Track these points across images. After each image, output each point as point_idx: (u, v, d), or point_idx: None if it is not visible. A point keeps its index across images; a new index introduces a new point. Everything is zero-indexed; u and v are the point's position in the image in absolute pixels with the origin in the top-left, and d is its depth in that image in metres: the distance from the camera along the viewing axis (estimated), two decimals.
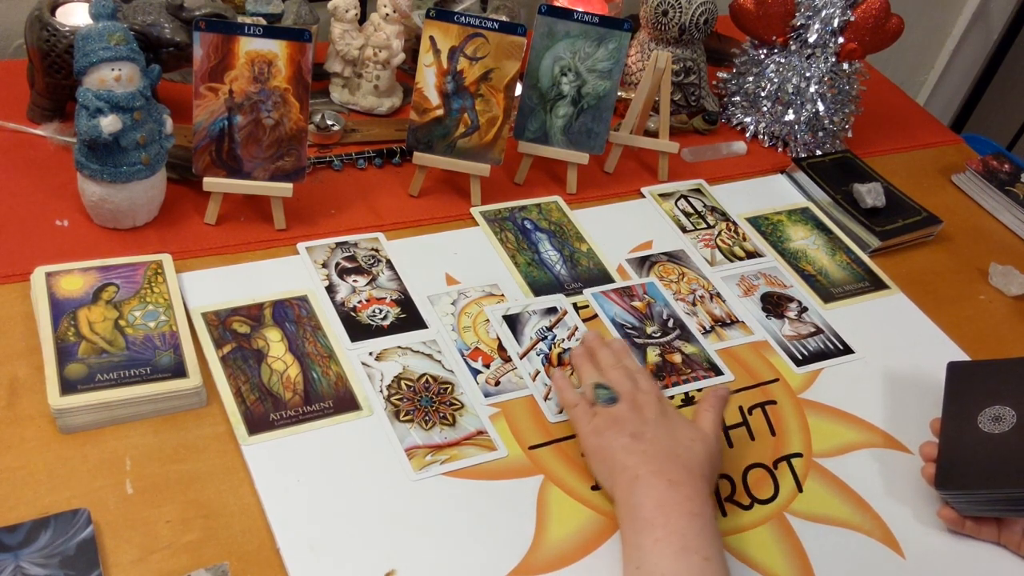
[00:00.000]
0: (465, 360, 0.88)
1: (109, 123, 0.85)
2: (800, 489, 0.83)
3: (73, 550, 0.66)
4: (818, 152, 1.26)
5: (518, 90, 1.05)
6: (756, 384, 0.93)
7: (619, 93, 1.14)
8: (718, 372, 0.93)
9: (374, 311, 0.91)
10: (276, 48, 0.91)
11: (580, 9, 1.05)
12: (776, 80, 1.24)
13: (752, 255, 1.08)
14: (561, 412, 0.85)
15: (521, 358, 0.90)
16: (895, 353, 0.99)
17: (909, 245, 1.16)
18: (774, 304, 1.02)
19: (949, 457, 0.80)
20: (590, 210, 1.10)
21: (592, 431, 0.79)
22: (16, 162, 0.98)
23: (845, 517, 0.82)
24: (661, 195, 1.14)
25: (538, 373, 0.88)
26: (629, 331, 0.95)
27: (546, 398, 0.86)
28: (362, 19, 1.15)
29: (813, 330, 1.00)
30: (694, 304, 1.00)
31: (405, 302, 0.92)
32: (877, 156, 1.31)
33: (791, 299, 1.03)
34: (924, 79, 2.17)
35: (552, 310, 0.95)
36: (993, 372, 0.85)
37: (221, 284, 0.90)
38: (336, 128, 1.10)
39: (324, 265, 0.94)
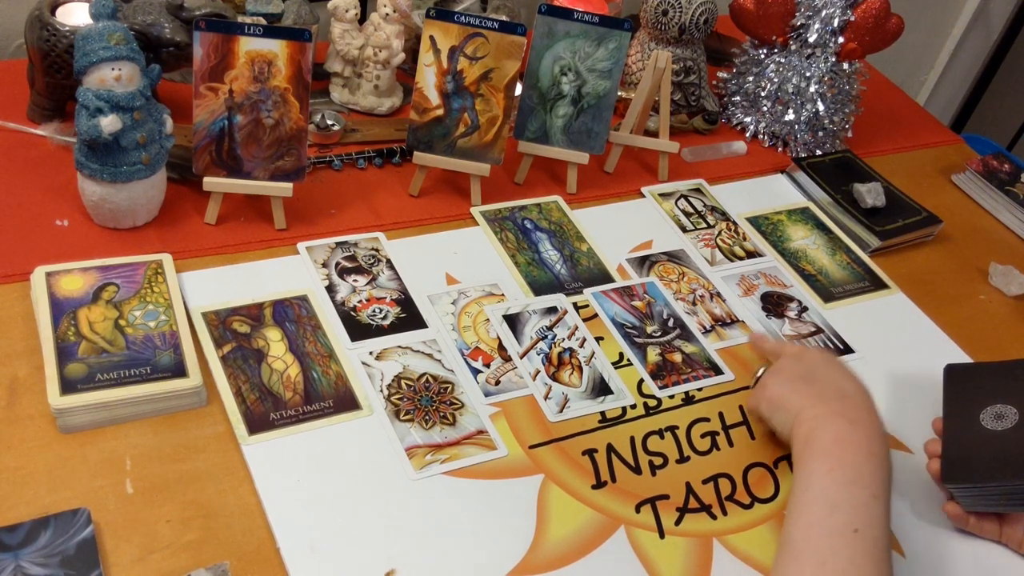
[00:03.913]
0: (465, 360, 0.88)
1: (109, 123, 0.85)
2: None
3: (73, 550, 0.66)
4: (818, 152, 1.26)
5: (518, 90, 1.05)
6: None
7: (619, 93, 1.14)
8: (718, 371, 0.93)
9: (374, 311, 0.91)
10: (276, 48, 0.91)
11: (580, 9, 1.05)
12: (776, 80, 1.24)
13: (752, 255, 1.08)
14: (561, 411, 0.85)
15: (521, 358, 0.89)
16: (895, 353, 0.99)
17: (909, 245, 1.16)
18: (774, 304, 1.02)
19: (954, 453, 0.80)
20: (590, 210, 1.10)
21: (759, 387, 0.85)
22: (16, 162, 0.98)
23: None
24: (661, 195, 1.14)
25: (538, 372, 0.88)
26: (629, 330, 0.95)
27: (546, 397, 0.86)
28: (362, 19, 1.15)
29: (813, 330, 1.00)
30: (694, 304, 1.00)
31: (405, 302, 0.92)
32: (877, 156, 1.30)
33: (791, 299, 1.03)
34: (924, 79, 2.17)
35: (552, 310, 0.95)
36: (990, 373, 0.86)
37: (221, 284, 0.90)
38: (336, 128, 1.10)
39: (324, 265, 0.94)
